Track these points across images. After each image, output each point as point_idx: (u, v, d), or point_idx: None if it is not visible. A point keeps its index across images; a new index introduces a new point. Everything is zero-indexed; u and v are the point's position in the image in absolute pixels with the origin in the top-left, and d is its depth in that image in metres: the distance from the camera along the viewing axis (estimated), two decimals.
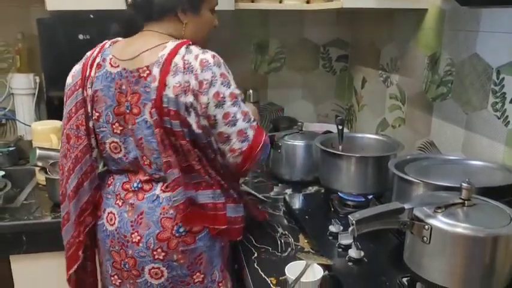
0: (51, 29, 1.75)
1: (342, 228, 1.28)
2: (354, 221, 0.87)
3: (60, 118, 1.77)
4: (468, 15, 1.31)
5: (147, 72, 1.08)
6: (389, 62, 1.81)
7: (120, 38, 1.22)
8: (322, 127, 2.12)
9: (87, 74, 1.16)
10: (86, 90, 1.16)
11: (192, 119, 1.08)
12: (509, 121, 1.18)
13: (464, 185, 0.93)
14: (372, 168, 1.39)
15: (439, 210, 0.91)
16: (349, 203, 1.46)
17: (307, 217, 1.41)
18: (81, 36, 1.73)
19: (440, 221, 0.89)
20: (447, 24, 1.43)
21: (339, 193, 1.47)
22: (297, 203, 1.54)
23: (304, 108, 2.27)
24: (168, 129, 1.08)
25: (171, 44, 1.09)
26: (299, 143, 1.71)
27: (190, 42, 1.12)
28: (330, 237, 1.27)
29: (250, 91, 2.12)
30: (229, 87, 1.08)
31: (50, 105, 1.86)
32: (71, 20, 1.69)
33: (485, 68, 1.26)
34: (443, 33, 1.45)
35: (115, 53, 1.15)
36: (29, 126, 1.87)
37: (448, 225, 0.88)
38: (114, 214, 1.17)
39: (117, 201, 1.17)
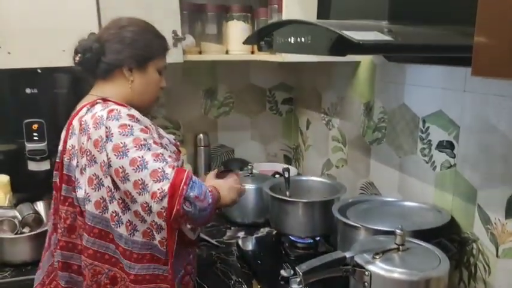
0: None
1: (292, 272, 1.34)
2: (301, 273, 0.94)
3: (6, 172, 1.75)
4: (396, 69, 1.46)
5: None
6: (330, 107, 1.94)
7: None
8: (272, 166, 2.21)
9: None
10: None
11: (82, 183, 1.11)
12: (436, 165, 1.32)
13: (398, 231, 1.03)
14: (318, 211, 1.48)
15: (377, 257, 1.00)
16: (299, 245, 1.54)
17: (259, 262, 1.46)
18: (28, 90, 1.73)
19: (378, 267, 0.98)
20: (378, 76, 1.57)
21: (289, 236, 1.54)
22: (249, 246, 1.60)
23: (253, 148, 2.35)
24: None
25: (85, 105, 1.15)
26: (250, 187, 1.77)
27: (100, 101, 1.14)
28: (282, 282, 1.33)
29: (201, 135, 2.18)
30: (131, 135, 1.05)
31: None
32: (17, 74, 1.69)
33: (412, 117, 1.40)
34: (375, 83, 1.59)
35: None
36: None
37: (385, 271, 0.97)
38: None
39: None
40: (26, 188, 1.77)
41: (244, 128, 2.32)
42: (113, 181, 1.08)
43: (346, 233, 1.29)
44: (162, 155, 1.05)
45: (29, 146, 1.75)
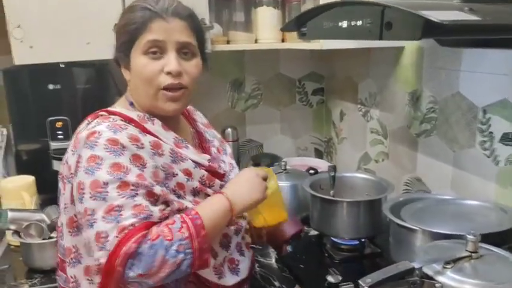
0: (18, 79, 1.66)
1: (340, 278, 1.24)
2: (366, 287, 0.84)
3: (30, 172, 1.68)
4: (449, 54, 1.33)
5: None
6: (367, 97, 1.82)
7: None
8: (303, 161, 2.10)
9: None
10: None
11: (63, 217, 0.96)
12: (499, 160, 1.19)
13: (470, 237, 0.91)
14: (364, 211, 1.36)
15: (448, 266, 0.89)
16: (342, 246, 1.43)
17: (302, 266, 1.36)
18: (51, 86, 1.64)
19: (450, 278, 0.87)
20: (427, 62, 1.44)
21: (331, 238, 1.44)
22: (288, 247, 1.49)
23: (283, 142, 2.24)
24: None
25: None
26: (285, 184, 1.67)
27: (104, 113, 0.95)
28: None
29: (229, 129, 2.08)
30: (92, 174, 0.84)
31: (19, 159, 1.75)
32: (39, 70, 1.61)
33: (470, 107, 1.27)
34: (423, 70, 1.47)
35: None
36: None
37: (458, 283, 0.86)
38: None
39: None
40: (51, 189, 1.69)
41: (273, 121, 2.21)
42: (75, 221, 0.93)
43: (401, 236, 1.18)
44: (120, 207, 0.83)
45: (54, 145, 1.67)
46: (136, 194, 0.85)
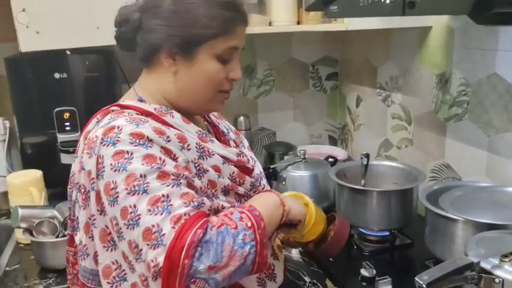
0: (21, 68, 1.57)
1: (375, 272, 1.17)
2: (424, 285, 0.77)
3: (36, 167, 1.60)
4: (484, 33, 1.25)
5: None
6: (388, 81, 1.74)
7: None
8: (317, 149, 2.04)
9: None
10: None
11: (81, 226, 0.83)
12: None
13: None
14: (395, 201, 1.30)
15: (506, 260, 0.83)
16: (371, 238, 1.37)
17: (331, 259, 1.29)
18: (57, 75, 1.55)
19: (509, 273, 0.80)
20: (458, 42, 1.36)
21: (359, 229, 1.37)
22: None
23: (296, 130, 2.16)
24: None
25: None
26: (305, 173, 1.60)
27: (116, 108, 0.84)
28: (364, 283, 1.17)
29: (241, 118, 1.99)
30: (124, 170, 0.73)
31: (25, 153, 1.66)
32: (44, 57, 1.51)
33: (507, 89, 1.20)
34: (452, 51, 1.39)
35: None
36: (3, 177, 1.66)
37: None
38: None
39: None
40: (60, 184, 1.61)
41: (287, 108, 2.13)
42: (109, 234, 0.79)
43: (439, 226, 1.12)
44: (167, 197, 0.72)
45: (61, 137, 1.58)
46: (180, 183, 0.75)
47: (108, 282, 0.79)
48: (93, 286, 0.85)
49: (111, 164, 0.74)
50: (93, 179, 0.77)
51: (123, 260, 0.77)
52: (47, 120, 1.56)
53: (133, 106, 0.84)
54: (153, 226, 0.69)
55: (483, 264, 0.82)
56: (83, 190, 0.81)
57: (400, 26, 1.46)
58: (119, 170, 0.73)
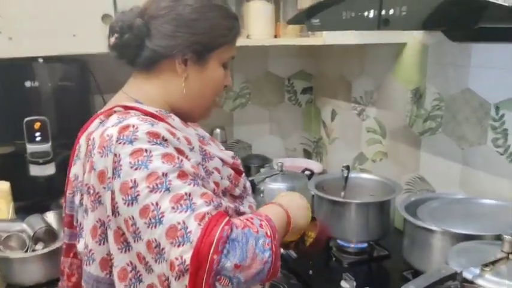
0: None
1: (355, 284, 1.18)
2: None
3: (4, 178, 1.52)
4: (457, 50, 1.30)
5: None
6: (363, 95, 1.78)
7: None
8: (293, 162, 2.04)
9: None
10: None
11: (85, 230, 0.81)
12: None
13: (508, 237, 0.87)
14: (373, 213, 1.31)
15: (487, 269, 0.85)
16: (349, 250, 1.37)
17: (311, 272, 1.29)
18: (28, 84, 1.50)
19: (491, 282, 0.82)
20: (431, 58, 1.41)
21: (338, 241, 1.38)
22: (292, 252, 1.42)
23: (271, 143, 2.17)
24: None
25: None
26: (282, 186, 1.59)
27: (120, 108, 0.83)
28: None
29: (217, 130, 1.99)
30: (145, 168, 0.72)
31: None
32: (15, 65, 1.45)
33: (481, 104, 1.25)
34: (426, 67, 1.43)
35: None
36: None
37: (500, 285, 0.81)
38: None
39: None
40: (28, 196, 1.55)
41: (262, 121, 2.14)
42: (122, 235, 0.77)
43: (418, 237, 1.14)
44: (189, 196, 0.72)
45: (31, 147, 1.51)
46: (198, 183, 0.75)
47: (125, 286, 0.78)
48: None
49: (130, 162, 0.73)
50: (109, 178, 0.75)
51: (138, 262, 0.76)
52: (16, 130, 1.49)
53: (137, 107, 0.84)
54: (178, 223, 0.69)
55: (465, 274, 0.84)
56: (92, 191, 0.79)
57: (376, 42, 1.49)
58: (139, 168, 0.72)
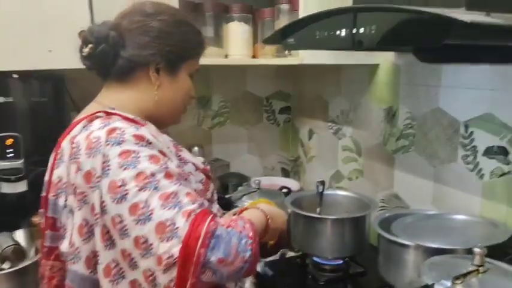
0: None
1: None
2: None
3: None
4: (427, 70, 1.35)
5: None
6: (339, 115, 1.81)
7: None
8: (270, 180, 2.05)
9: None
10: None
11: (69, 231, 0.84)
12: (483, 174, 1.20)
13: (477, 250, 0.89)
14: (349, 229, 1.32)
15: (458, 282, 0.86)
16: (325, 267, 1.37)
17: None
18: (1, 99, 1.47)
19: None
20: (404, 78, 1.45)
21: (313, 258, 1.38)
22: (268, 270, 1.41)
23: (250, 162, 2.18)
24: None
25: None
26: None
27: (102, 114, 0.87)
28: None
29: (196, 148, 1.98)
30: (133, 167, 0.77)
31: None
32: None
33: (451, 122, 1.28)
34: (399, 87, 1.47)
35: None
36: None
37: None
38: None
39: None
40: None
41: (241, 140, 2.15)
42: (107, 232, 0.80)
43: (392, 252, 1.14)
44: (176, 194, 0.77)
45: (2, 164, 1.48)
46: (182, 183, 0.81)
47: (110, 281, 0.81)
48: None
49: (118, 163, 0.78)
50: (98, 177, 0.79)
51: (122, 259, 0.80)
52: None
53: (117, 113, 0.88)
54: (167, 220, 0.74)
55: (437, 287, 0.85)
56: (78, 191, 0.82)
57: (351, 63, 1.53)
58: (128, 168, 0.77)
